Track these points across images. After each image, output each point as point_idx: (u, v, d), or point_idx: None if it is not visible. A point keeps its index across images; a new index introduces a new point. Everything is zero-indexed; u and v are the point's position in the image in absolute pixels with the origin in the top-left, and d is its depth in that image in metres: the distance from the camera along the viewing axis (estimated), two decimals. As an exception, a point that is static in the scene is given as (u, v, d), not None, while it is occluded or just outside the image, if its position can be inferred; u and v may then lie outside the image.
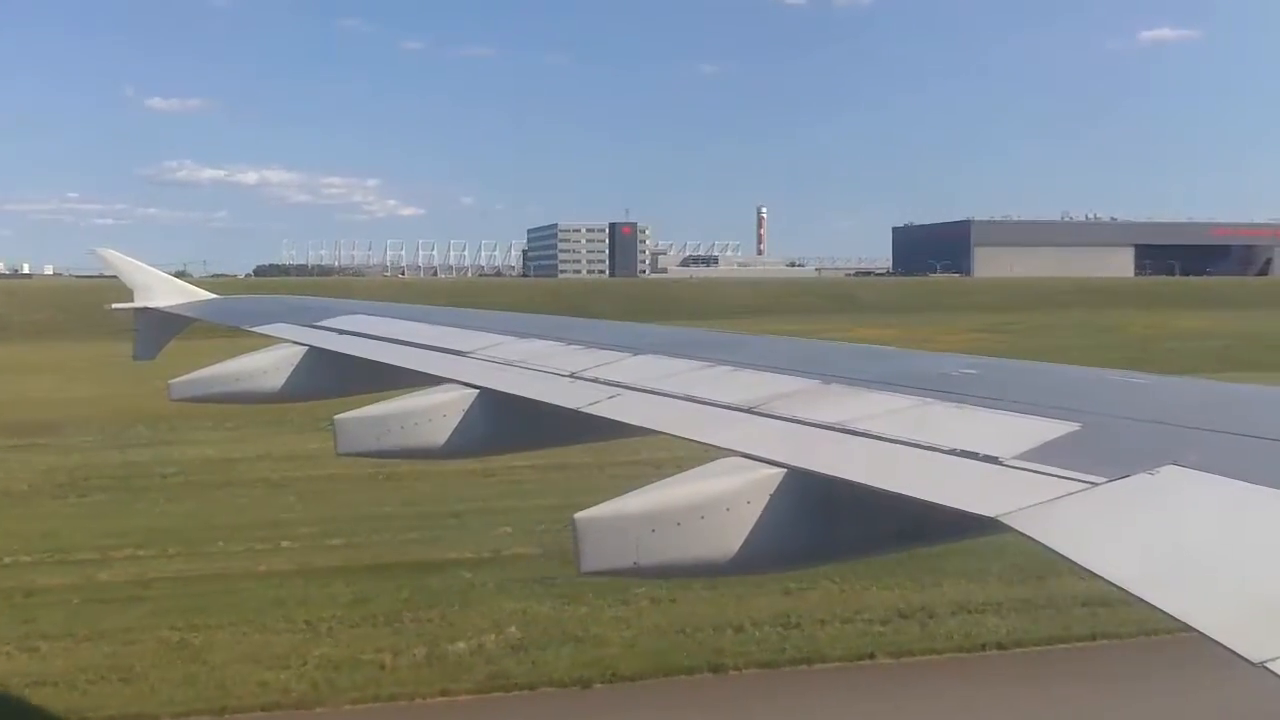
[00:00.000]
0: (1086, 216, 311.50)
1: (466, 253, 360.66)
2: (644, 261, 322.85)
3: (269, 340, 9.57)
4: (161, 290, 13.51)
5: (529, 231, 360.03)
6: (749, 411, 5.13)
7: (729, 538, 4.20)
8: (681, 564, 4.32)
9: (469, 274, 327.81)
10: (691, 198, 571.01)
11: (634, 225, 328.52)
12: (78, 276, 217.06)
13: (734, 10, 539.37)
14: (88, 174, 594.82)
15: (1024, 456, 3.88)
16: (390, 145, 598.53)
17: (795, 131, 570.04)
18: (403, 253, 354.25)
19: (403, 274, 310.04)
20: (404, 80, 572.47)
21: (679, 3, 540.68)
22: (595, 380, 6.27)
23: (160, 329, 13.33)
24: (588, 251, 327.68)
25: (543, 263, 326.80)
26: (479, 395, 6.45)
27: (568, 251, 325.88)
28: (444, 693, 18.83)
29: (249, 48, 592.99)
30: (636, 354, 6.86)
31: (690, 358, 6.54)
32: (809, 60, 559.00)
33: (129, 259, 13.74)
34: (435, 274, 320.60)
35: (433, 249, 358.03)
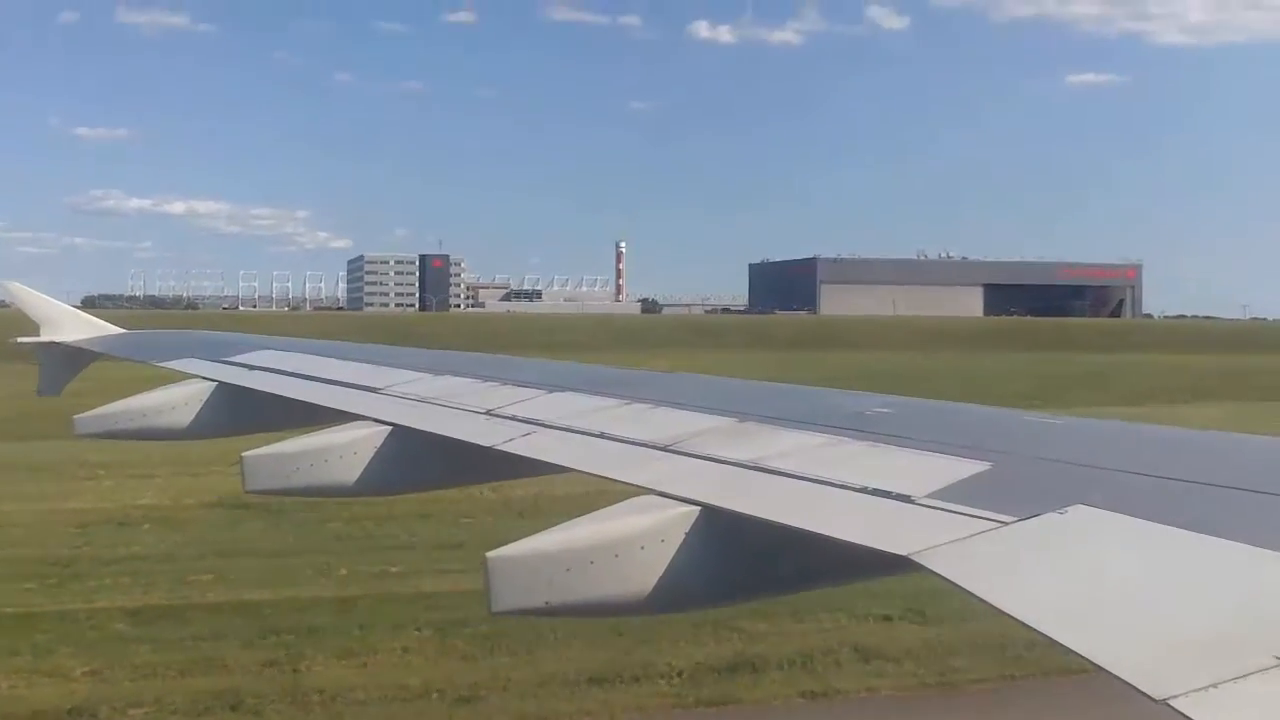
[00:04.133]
0: (939, 255, 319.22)
1: (324, 284, 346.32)
2: (459, 295, 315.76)
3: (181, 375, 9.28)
4: (68, 324, 13.10)
5: (348, 263, 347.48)
6: (664, 449, 5.12)
7: (643, 576, 4.15)
8: (595, 603, 4.26)
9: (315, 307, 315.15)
10: (570, 234, 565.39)
11: (446, 257, 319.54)
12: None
13: (667, 48, 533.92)
14: (12, 203, 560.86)
15: (936, 495, 3.90)
16: (320, 177, 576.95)
17: (676, 166, 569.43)
18: (256, 284, 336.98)
19: (238, 308, 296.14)
20: (334, 111, 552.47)
21: (614, 44, 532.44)
22: (512, 418, 6.20)
23: (65, 364, 12.89)
24: (396, 284, 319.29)
25: (354, 295, 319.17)
26: (391, 432, 6.33)
27: (374, 284, 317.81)
28: None
29: (177, 77, 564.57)
30: (553, 391, 6.80)
31: (607, 395, 6.50)
32: (725, 97, 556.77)
33: (34, 292, 13.37)
34: (290, 307, 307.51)
35: (288, 280, 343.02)
